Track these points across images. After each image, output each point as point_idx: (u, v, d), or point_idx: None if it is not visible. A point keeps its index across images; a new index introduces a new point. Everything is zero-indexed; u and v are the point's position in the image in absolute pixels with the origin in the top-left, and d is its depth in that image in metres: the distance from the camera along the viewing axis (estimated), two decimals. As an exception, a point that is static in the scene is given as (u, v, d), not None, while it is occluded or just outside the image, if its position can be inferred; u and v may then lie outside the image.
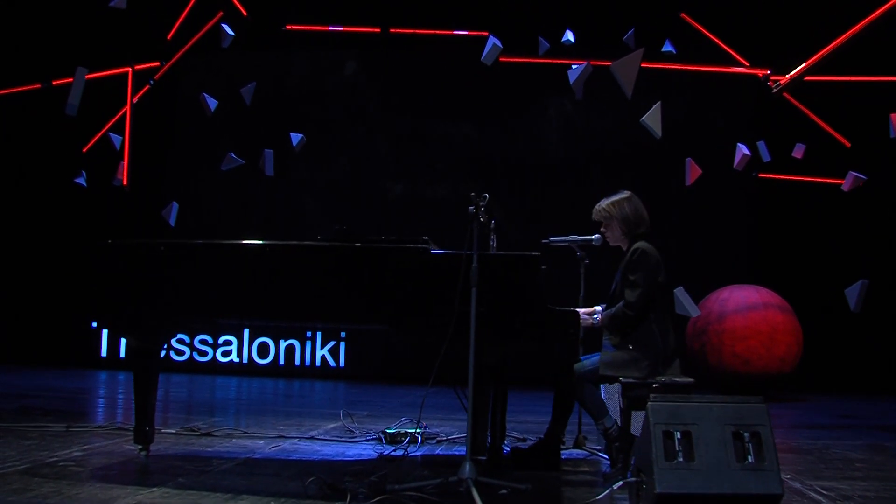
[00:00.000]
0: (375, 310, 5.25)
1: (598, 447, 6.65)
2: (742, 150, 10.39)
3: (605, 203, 5.88)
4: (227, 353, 13.89)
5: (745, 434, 4.34)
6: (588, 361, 5.69)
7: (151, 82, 13.09)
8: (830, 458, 6.76)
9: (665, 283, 5.67)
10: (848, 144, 12.27)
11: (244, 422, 8.10)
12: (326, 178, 14.01)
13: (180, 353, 13.92)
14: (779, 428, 8.73)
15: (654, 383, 5.45)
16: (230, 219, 13.63)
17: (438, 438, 7.16)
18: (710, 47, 12.48)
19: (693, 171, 10.39)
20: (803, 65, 9.03)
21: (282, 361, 13.80)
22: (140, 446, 5.86)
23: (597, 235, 6.05)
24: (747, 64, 12.44)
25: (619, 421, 5.73)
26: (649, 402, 4.37)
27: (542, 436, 6.07)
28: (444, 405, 6.88)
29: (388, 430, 7.00)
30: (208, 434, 7.06)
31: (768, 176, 12.51)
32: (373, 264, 5.23)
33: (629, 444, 5.44)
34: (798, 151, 10.70)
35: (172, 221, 10.90)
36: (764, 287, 11.87)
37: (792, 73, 8.89)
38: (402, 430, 7.00)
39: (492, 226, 5.92)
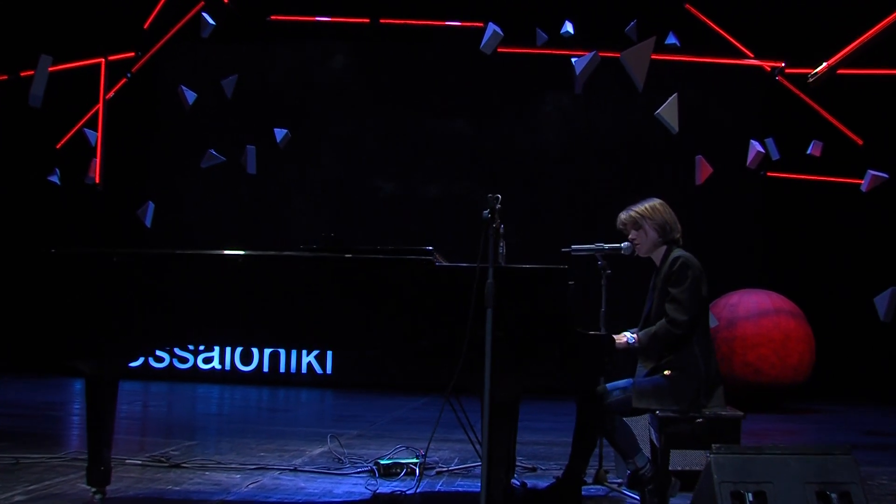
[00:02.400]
0: (367, 333, 4.29)
1: (618, 480, 5.71)
2: (755, 147, 9.52)
3: (637, 207, 4.94)
4: (208, 360, 12.84)
5: (833, 494, 3.42)
6: (617, 390, 4.74)
7: (129, 75, 12.05)
8: (883, 494, 5.84)
9: (706, 297, 4.74)
10: (860, 142, 11.38)
11: (222, 445, 7.11)
12: (314, 176, 13.01)
13: (160, 359, 12.87)
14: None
15: (697, 417, 4.51)
16: (211, 220, 12.62)
17: (438, 469, 6.21)
18: (716, 39, 11.55)
19: (704, 170, 9.51)
20: (840, 54, 8.12)
21: (266, 369, 12.76)
22: (94, 489, 4.87)
23: (626, 244, 5.09)
24: (752, 56, 11.50)
25: (649, 457, 4.80)
26: (712, 455, 3.44)
27: (556, 467, 5.14)
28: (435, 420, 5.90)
29: (381, 461, 6.03)
30: (178, 466, 6.06)
31: (777, 175, 11.57)
32: (365, 279, 4.27)
33: (665, 486, 4.51)
34: (816, 149, 9.83)
35: (148, 222, 10.06)
36: (774, 292, 10.96)
37: (829, 61, 7.97)
38: (398, 462, 6.03)
39: (501, 231, 4.98)
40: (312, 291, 4.27)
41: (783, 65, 10.16)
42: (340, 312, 4.26)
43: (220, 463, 6.20)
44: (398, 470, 5.95)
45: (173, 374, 12.82)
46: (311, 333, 4.37)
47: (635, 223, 4.92)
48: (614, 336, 4.81)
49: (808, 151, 9.85)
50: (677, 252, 4.80)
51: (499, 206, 4.08)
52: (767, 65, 11.44)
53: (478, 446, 4.21)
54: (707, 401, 4.58)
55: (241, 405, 10.83)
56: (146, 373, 12.69)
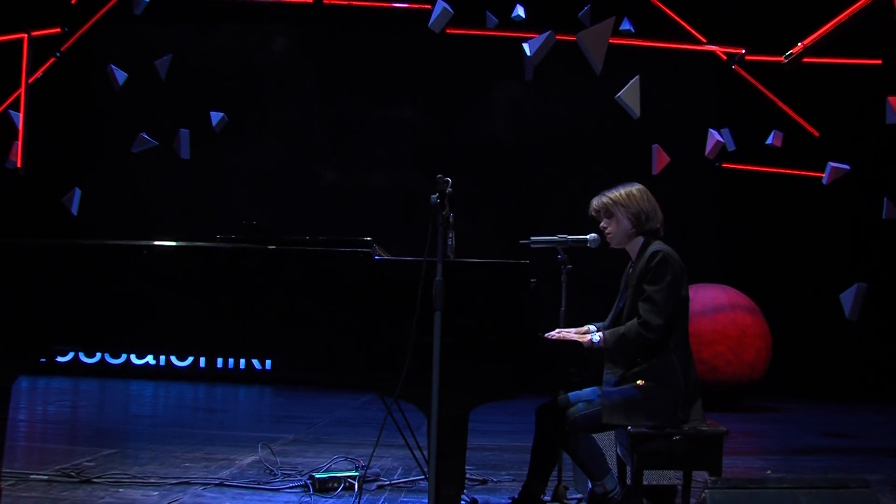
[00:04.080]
0: (291, 340, 3.56)
1: (577, 496, 5.08)
2: (714, 136, 9.01)
3: (611, 193, 4.28)
4: (142, 355, 12.01)
5: (849, 537, 2.78)
6: (582, 402, 4.09)
7: (58, 54, 11.15)
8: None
9: (686, 298, 4.11)
10: (816, 134, 10.89)
11: (144, 454, 6.34)
12: (254, 163, 12.21)
13: (91, 353, 12.02)
14: (770, 454, 7.31)
15: (675, 434, 3.87)
16: (143, 208, 11.77)
17: (379, 482, 5.53)
18: (672, 26, 10.98)
19: (660, 159, 8.96)
20: (815, 34, 7.56)
21: (202, 364, 11.96)
22: (-19, 515, 4.12)
23: (593, 236, 4.42)
24: (705, 41, 10.93)
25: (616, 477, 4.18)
26: (707, 492, 2.80)
27: (509, 478, 4.50)
28: (379, 420, 5.19)
29: (317, 475, 5.33)
30: (88, 481, 5.30)
31: (733, 166, 11.04)
32: (290, 275, 3.56)
33: (636, 509, 3.88)
34: (776, 139, 9.31)
35: (75, 210, 9.34)
36: (730, 287, 10.43)
37: (804, 42, 7.42)
38: (335, 475, 5.33)
39: (451, 221, 4.30)
40: (223, 289, 3.55)
41: (743, 52, 9.60)
42: (258, 315, 3.54)
43: (136, 477, 5.45)
44: (335, 485, 5.26)
45: (105, 370, 12.01)
46: (223, 339, 3.63)
47: (608, 210, 4.25)
48: (573, 330, 4.18)
49: (768, 142, 9.35)
50: (657, 245, 4.14)
51: (450, 189, 3.41)
52: (721, 51, 10.86)
53: (423, 462, 3.55)
54: (685, 415, 3.94)
55: (173, 405, 10.06)
56: (76, 369, 11.89)
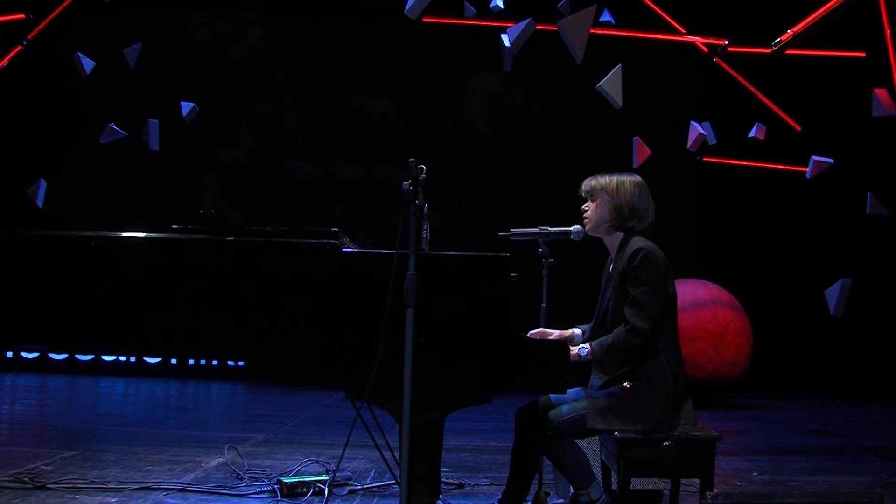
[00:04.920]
0: (251, 339, 3.25)
1: (559, 501, 4.80)
2: (696, 128, 8.76)
3: (602, 178, 3.97)
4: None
5: (862, 557, 2.51)
6: (566, 405, 3.79)
7: (24, 42, 10.74)
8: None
9: (674, 295, 3.82)
10: (798, 128, 10.64)
11: (106, 456, 6.00)
12: (227, 155, 11.83)
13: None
14: (755, 455, 7.01)
15: (664, 439, 3.59)
16: (111, 201, 11.36)
17: (351, 487, 5.23)
18: (652, 17, 10.70)
19: (641, 152, 8.71)
20: (804, 22, 7.30)
21: (174, 360, 11.60)
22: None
23: (577, 227, 4.10)
24: (684, 31, 10.65)
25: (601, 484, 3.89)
26: (706, 507, 2.51)
27: (487, 481, 4.23)
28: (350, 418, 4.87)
29: (285, 479, 5.02)
30: (42, 487, 4.97)
31: (714, 160, 10.79)
32: (251, 268, 3.24)
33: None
34: (759, 132, 9.06)
35: (40, 202, 9.00)
36: (711, 282, 10.18)
37: (793, 29, 7.16)
38: (304, 480, 5.02)
39: (425, 212, 4.00)
40: (176, 285, 3.24)
41: (726, 43, 9.33)
42: (213, 312, 3.23)
43: (94, 482, 5.12)
44: (304, 490, 4.95)
45: (73, 366, 11.60)
46: (170, 337, 3.31)
47: (593, 193, 3.94)
48: (557, 332, 3.88)
49: (751, 135, 9.09)
50: (637, 242, 3.83)
51: (423, 175, 3.11)
52: (701, 41, 10.58)
53: (396, 466, 3.25)
54: (675, 419, 3.66)
55: (142, 403, 9.71)
56: (43, 365, 11.48)
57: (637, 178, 3.98)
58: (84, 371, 11.49)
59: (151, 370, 11.55)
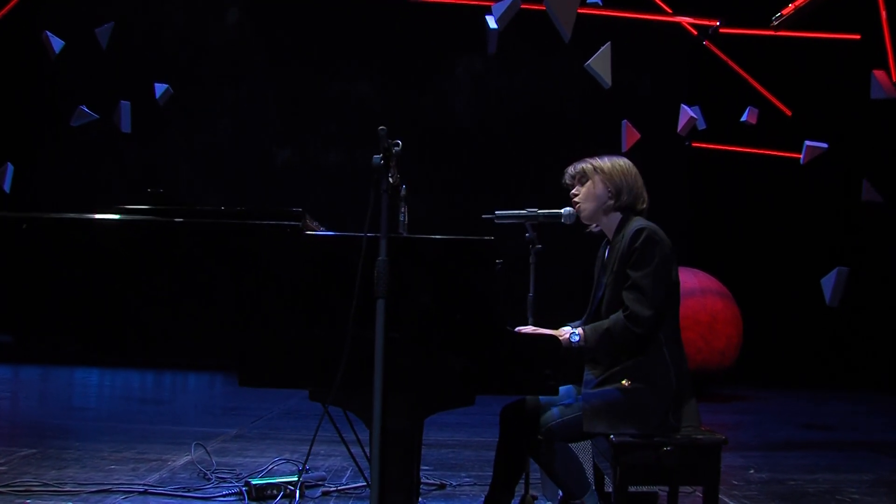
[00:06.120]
0: (201, 334, 2.84)
1: (548, 504, 4.43)
2: (687, 112, 8.38)
3: (593, 159, 3.59)
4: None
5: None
6: (557, 407, 3.39)
7: (-7, 23, 10.27)
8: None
9: (677, 282, 3.44)
10: (789, 113, 10.30)
11: (67, 455, 5.58)
12: (204, 140, 11.41)
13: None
14: (749, 450, 6.61)
15: (665, 443, 3.21)
16: (83, 186, 10.91)
17: (325, 488, 4.83)
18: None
19: (630, 135, 8.37)
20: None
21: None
22: None
23: (568, 209, 3.71)
24: (671, 11, 10.27)
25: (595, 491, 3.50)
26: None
27: (470, 481, 3.91)
28: (334, 412, 4.46)
29: (253, 481, 4.62)
30: (-9, 490, 4.57)
31: (703, 145, 10.43)
32: (202, 253, 2.83)
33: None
34: (752, 116, 8.69)
35: (7, 187, 8.60)
36: (701, 270, 9.82)
37: (795, 2, 6.78)
38: (274, 482, 4.62)
39: (402, 193, 3.60)
40: (115, 270, 2.83)
41: (717, 24, 8.94)
42: (159, 303, 2.82)
43: (47, 484, 4.71)
44: (274, 492, 4.56)
45: (49, 355, 11.12)
46: (109, 330, 2.89)
47: (584, 175, 3.55)
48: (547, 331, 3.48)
49: (743, 119, 8.73)
50: (639, 222, 3.45)
51: (397, 149, 2.71)
52: (690, 22, 10.20)
53: (366, 469, 2.87)
54: (677, 420, 3.28)
55: (115, 395, 9.28)
56: (17, 356, 11.00)
57: (626, 159, 3.63)
58: (59, 362, 11.03)
59: (129, 361, 11.11)
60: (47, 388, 9.56)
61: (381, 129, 2.64)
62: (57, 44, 8.33)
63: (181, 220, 2.83)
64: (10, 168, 8.61)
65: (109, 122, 8.72)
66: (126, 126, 8.54)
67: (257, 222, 2.80)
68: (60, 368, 10.65)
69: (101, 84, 10.14)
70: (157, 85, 8.66)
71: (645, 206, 3.58)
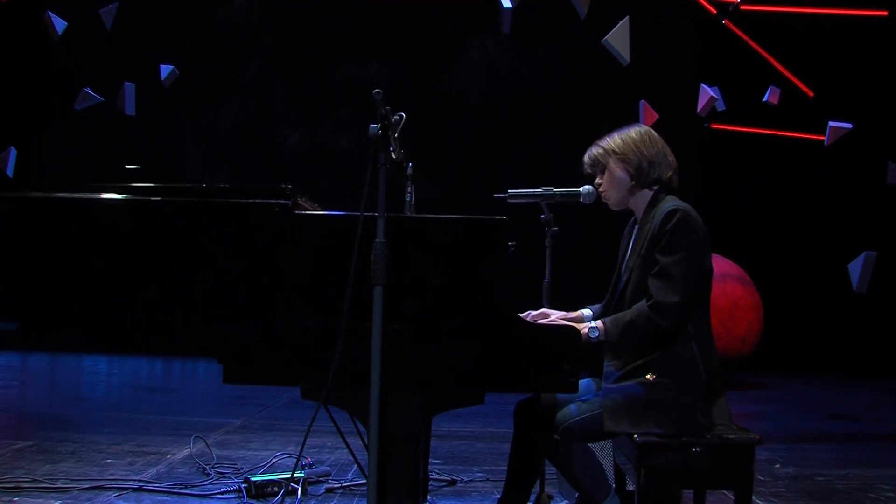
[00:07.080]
0: (183, 324, 2.56)
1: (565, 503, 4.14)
2: (707, 92, 8.11)
3: (604, 141, 3.27)
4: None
5: None
6: (575, 404, 3.06)
7: (-2, 4, 10.02)
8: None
9: (710, 271, 3.13)
10: (811, 94, 9.92)
11: (63, 447, 5.31)
12: (212, 124, 11.10)
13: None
14: (773, 443, 6.20)
15: (694, 445, 2.90)
16: (87, 171, 10.61)
17: (329, 485, 4.55)
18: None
19: (648, 116, 8.13)
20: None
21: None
22: None
23: (587, 187, 3.38)
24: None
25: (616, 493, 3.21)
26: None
27: (482, 476, 3.64)
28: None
29: (253, 478, 4.34)
30: (-21, 486, 4.30)
31: (723, 127, 10.07)
32: (185, 235, 2.53)
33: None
34: (773, 96, 8.39)
35: (10, 171, 8.44)
36: (721, 255, 9.48)
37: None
38: (274, 479, 4.35)
39: (408, 172, 3.30)
40: (99, 251, 2.53)
41: (738, 1, 8.58)
42: (136, 289, 2.53)
43: (38, 481, 4.44)
44: (274, 489, 4.29)
45: (59, 344, 10.87)
46: (87, 318, 2.61)
47: (599, 162, 3.24)
48: (559, 314, 3.18)
49: (765, 99, 8.46)
50: (671, 202, 3.15)
51: (397, 117, 2.41)
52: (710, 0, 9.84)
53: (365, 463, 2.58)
54: (707, 418, 2.97)
55: (121, 384, 9.03)
56: (25, 344, 10.76)
57: (638, 125, 3.32)
58: (68, 349, 10.78)
59: (134, 349, 10.85)
60: (52, 377, 9.34)
61: (376, 91, 2.33)
62: (60, 24, 8.13)
63: (157, 199, 2.54)
64: (13, 152, 8.42)
65: (114, 104, 8.52)
66: (130, 108, 8.40)
67: (242, 200, 2.51)
68: (69, 356, 10.40)
69: (106, 66, 9.86)
70: (162, 67, 8.48)
71: (673, 171, 3.26)
